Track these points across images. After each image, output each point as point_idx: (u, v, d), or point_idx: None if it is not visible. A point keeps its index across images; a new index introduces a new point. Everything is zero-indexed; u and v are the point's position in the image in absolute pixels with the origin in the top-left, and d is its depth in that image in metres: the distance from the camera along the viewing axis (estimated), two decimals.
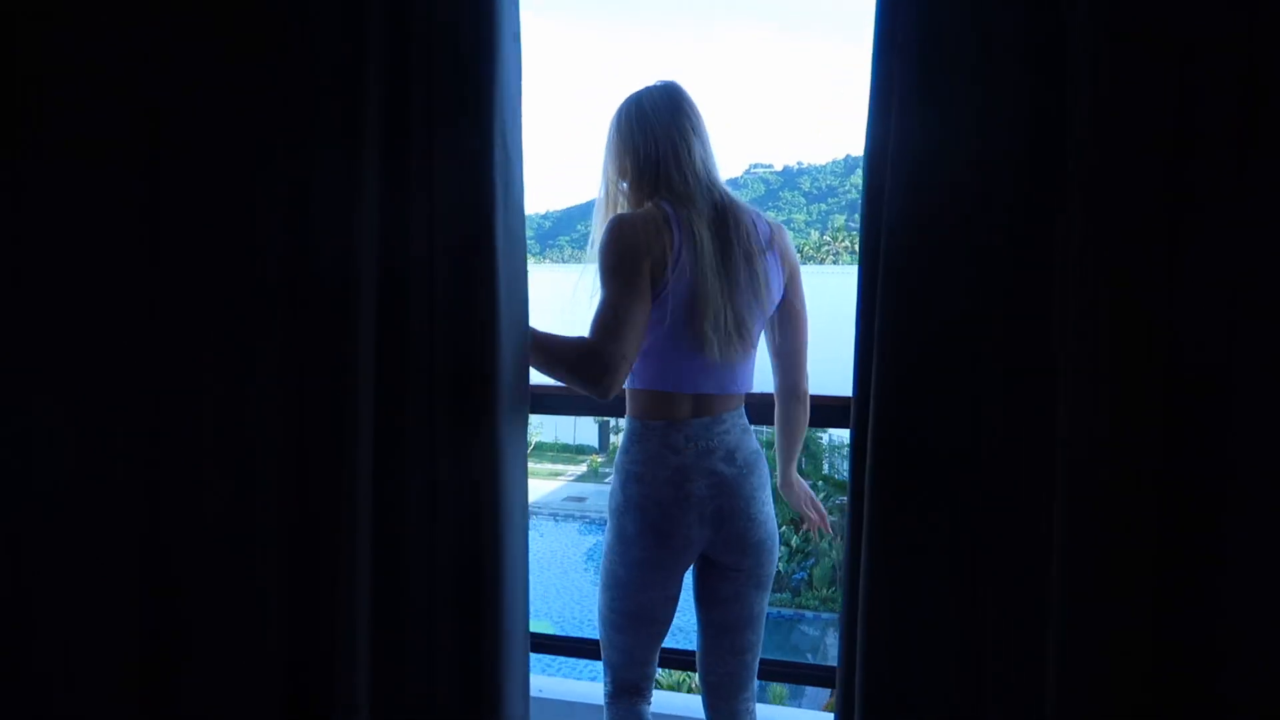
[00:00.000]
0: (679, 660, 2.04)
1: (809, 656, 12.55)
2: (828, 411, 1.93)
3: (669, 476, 1.60)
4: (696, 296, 1.57)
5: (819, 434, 15.33)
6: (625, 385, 1.65)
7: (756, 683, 1.82)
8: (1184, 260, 1.13)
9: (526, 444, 1.50)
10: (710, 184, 1.64)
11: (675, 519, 1.60)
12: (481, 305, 1.38)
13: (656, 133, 1.63)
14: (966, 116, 1.22)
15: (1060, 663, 1.18)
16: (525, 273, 1.47)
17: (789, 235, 1.74)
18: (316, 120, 1.38)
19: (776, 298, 1.68)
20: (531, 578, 1.70)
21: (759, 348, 1.72)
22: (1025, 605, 1.24)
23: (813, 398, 1.84)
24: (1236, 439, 1.14)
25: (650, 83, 1.71)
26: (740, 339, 1.61)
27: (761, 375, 1.80)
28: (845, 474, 15.20)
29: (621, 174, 1.68)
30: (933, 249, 1.24)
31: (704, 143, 1.66)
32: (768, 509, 1.71)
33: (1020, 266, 1.21)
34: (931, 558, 1.28)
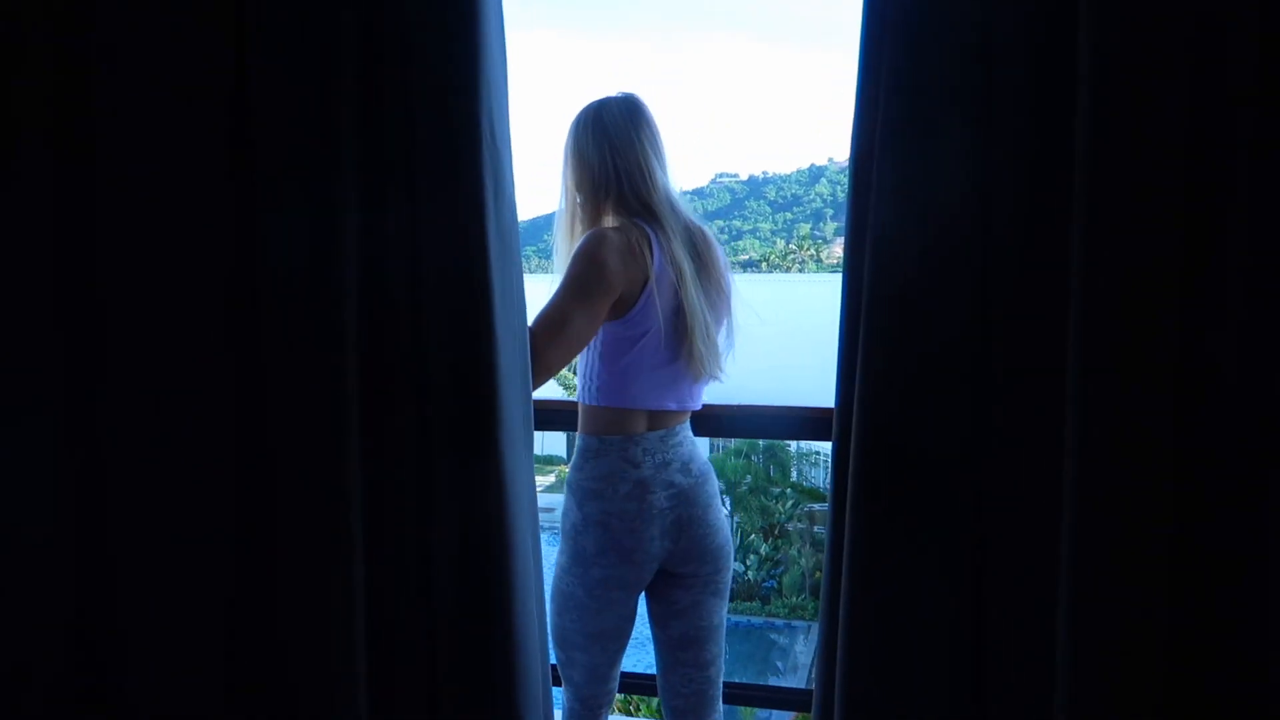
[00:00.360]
0: (636, 684, 1.99)
1: (779, 665, 12.56)
2: (804, 423, 1.93)
3: (629, 491, 1.60)
4: (683, 315, 1.60)
5: (787, 442, 15.37)
6: (582, 401, 1.67)
7: (723, 706, 1.81)
8: (1197, 261, 1.10)
9: (533, 460, 1.43)
10: (673, 204, 1.65)
11: (638, 533, 1.60)
12: (478, 307, 1.30)
13: (616, 146, 1.63)
14: (962, 118, 1.17)
15: (1070, 673, 1.14)
16: (520, 272, 1.41)
17: None
18: (288, 119, 1.33)
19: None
20: None
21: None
22: (1030, 613, 1.20)
23: (786, 409, 1.88)
24: (1251, 441, 1.12)
25: (611, 93, 1.70)
26: (720, 354, 1.67)
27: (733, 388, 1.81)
28: (814, 481, 15.26)
29: (578, 186, 1.68)
30: (922, 253, 1.20)
31: (662, 161, 1.67)
32: (722, 517, 1.73)
33: (1024, 269, 1.18)
34: (924, 569, 1.23)
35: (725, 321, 1.71)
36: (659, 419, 1.65)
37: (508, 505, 1.32)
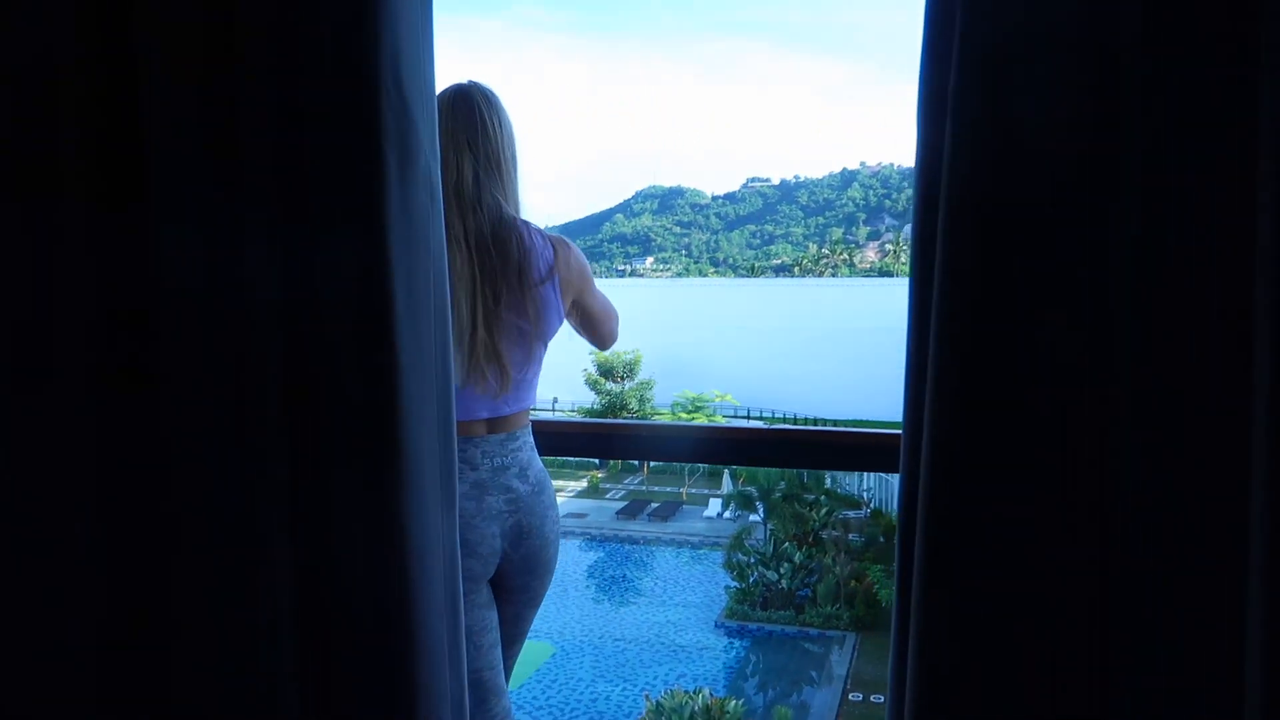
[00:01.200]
0: None
1: (813, 674, 12.44)
2: (850, 452, 1.84)
3: (467, 491, 1.61)
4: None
5: None
6: None
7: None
8: None
9: (454, 471, 1.22)
10: (477, 203, 1.58)
11: (479, 530, 1.62)
12: (375, 306, 1.06)
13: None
14: (1045, 107, 0.98)
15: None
16: (442, 261, 1.17)
17: (575, 252, 1.72)
18: (163, 104, 1.08)
19: (556, 324, 1.69)
20: None
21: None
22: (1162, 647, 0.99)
23: (824, 433, 1.84)
24: None
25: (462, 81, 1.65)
26: (497, 365, 1.59)
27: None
28: (848, 488, 15.08)
29: None
30: (1011, 258, 1.00)
31: (482, 155, 1.60)
32: (556, 528, 1.75)
33: (1156, 268, 0.96)
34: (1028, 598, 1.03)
35: (520, 336, 1.62)
36: (496, 423, 1.65)
37: (411, 533, 1.12)
